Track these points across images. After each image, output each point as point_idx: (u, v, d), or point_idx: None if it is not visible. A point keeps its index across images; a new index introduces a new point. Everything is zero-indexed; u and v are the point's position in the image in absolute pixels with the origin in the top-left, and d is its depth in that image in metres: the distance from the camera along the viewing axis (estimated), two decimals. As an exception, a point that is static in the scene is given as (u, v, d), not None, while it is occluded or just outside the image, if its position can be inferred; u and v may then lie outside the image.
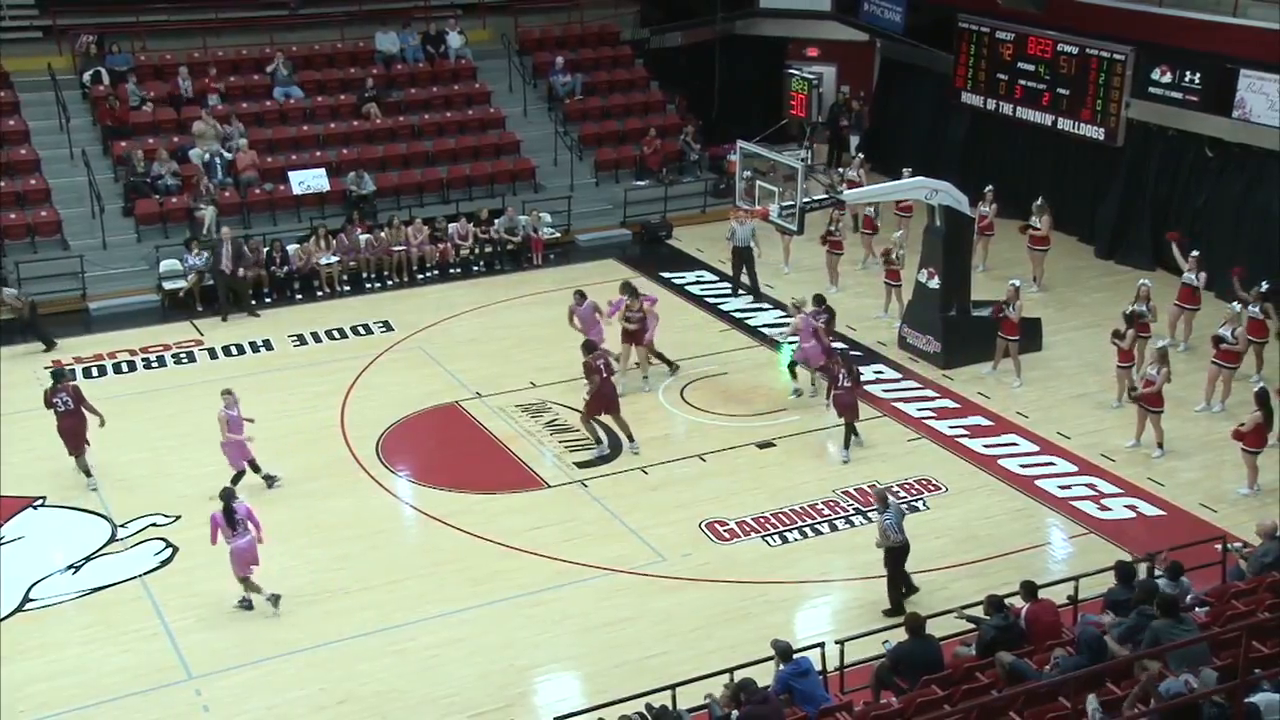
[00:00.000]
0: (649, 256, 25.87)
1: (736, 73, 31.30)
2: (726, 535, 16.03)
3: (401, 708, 12.98)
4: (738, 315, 22.81)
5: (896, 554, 14.11)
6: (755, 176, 20.30)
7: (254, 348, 21.59)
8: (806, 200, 19.13)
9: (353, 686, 13.27)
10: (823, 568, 15.22)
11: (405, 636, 13.97)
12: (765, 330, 21.88)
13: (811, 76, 20.25)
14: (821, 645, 12.58)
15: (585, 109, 29.48)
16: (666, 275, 24.63)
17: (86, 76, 26.10)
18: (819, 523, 16.14)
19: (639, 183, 28.24)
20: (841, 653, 12.73)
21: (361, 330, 22.32)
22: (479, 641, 13.97)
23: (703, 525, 16.21)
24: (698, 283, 24.50)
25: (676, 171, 28.66)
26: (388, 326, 22.47)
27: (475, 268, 25.21)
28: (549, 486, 17.25)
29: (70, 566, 15.45)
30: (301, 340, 21.91)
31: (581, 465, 17.65)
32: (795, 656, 11.69)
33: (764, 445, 18.21)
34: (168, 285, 23.50)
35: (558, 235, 26.54)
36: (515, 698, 13.05)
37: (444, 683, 13.34)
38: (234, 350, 21.57)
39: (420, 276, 24.77)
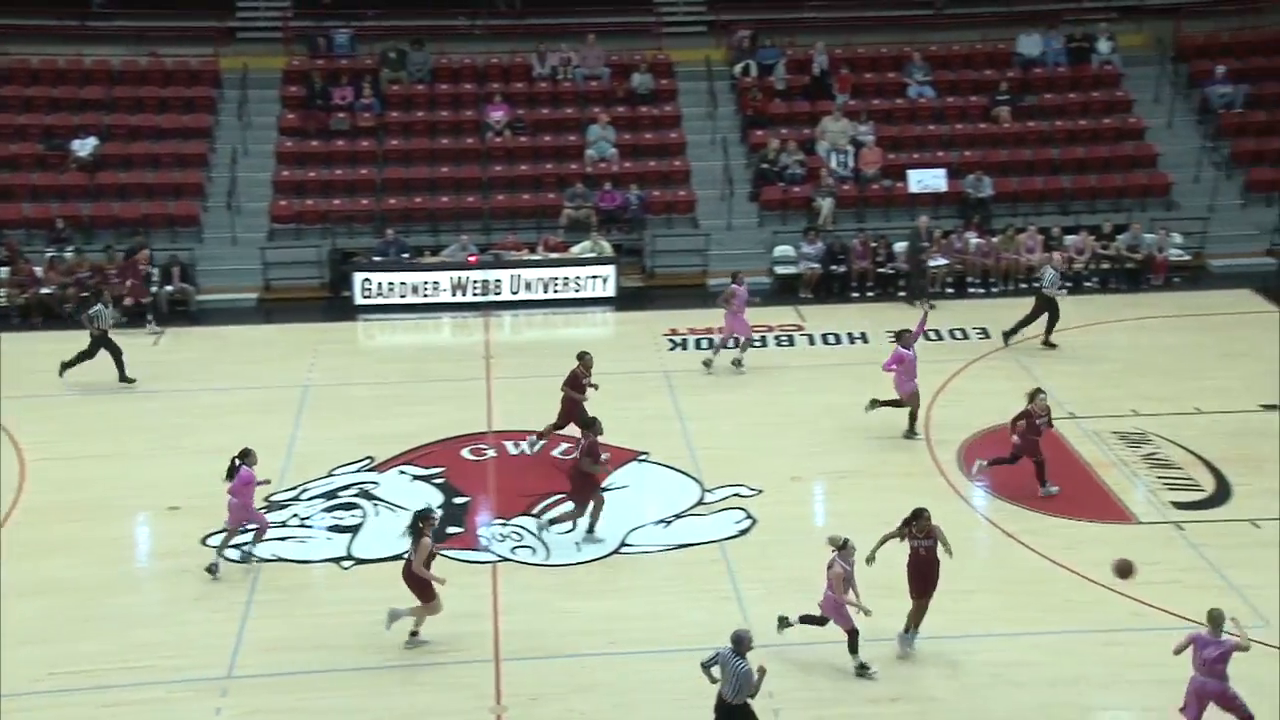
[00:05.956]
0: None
1: None
2: None
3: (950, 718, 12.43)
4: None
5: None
6: None
7: (850, 339, 21.88)
8: None
9: (906, 687, 12.90)
10: None
11: (965, 649, 13.39)
12: None
13: None
14: None
15: (1244, 123, 27.44)
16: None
17: (737, 69, 27.67)
18: None
19: (1289, 206, 24.87)
20: None
21: (959, 334, 21.94)
22: (1043, 670, 13.09)
23: (1317, 598, 13.93)
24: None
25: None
26: (985, 334, 21.86)
27: (1088, 283, 24.28)
28: (1138, 522, 16.02)
29: (662, 520, 16.14)
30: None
31: (1180, 505, 16.24)
32: None
33: None
34: (779, 270, 24.43)
35: (1186, 258, 24.87)
36: None
37: (1001, 704, 12.67)
38: (831, 339, 21.89)
39: (1025, 286, 23.60)
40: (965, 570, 14.60)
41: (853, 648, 12.86)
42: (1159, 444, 17.65)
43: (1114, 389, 19.22)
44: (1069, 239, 24.57)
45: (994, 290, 24.06)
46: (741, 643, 11.35)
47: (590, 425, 15.61)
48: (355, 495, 16.68)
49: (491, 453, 17.91)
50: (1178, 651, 11.78)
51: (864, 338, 21.79)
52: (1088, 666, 13.13)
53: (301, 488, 16.83)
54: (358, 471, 17.25)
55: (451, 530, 15.88)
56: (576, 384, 17.37)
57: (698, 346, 21.44)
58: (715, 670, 11.44)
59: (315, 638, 13.71)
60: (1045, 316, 20.98)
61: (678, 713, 12.53)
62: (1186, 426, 18.04)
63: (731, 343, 20.40)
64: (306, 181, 25.67)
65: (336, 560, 15.27)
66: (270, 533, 15.49)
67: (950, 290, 23.92)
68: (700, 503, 16.46)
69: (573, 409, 17.33)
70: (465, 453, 17.83)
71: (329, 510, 16.31)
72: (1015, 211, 25.61)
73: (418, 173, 25.97)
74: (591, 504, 15.55)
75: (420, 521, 13.35)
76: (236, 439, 17.75)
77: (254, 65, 27.28)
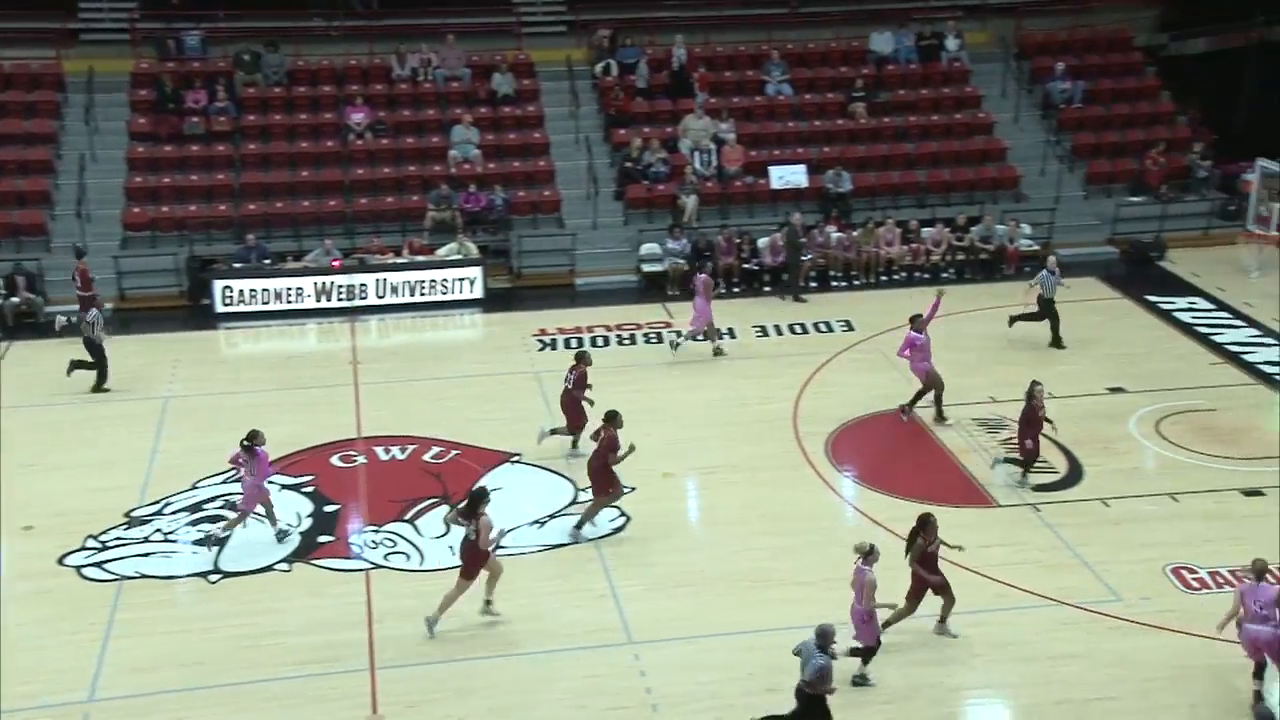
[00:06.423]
0: (1135, 278, 24.44)
1: (1268, 83, 28.79)
2: (1195, 584, 14.67)
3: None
4: (1235, 349, 21.13)
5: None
6: (1275, 198, 18.96)
7: (719, 334, 21.41)
8: None
9: (781, 677, 12.64)
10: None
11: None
12: (1266, 368, 20.37)
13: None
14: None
15: (1083, 117, 28.37)
16: (1154, 299, 23.26)
17: (598, 68, 27.73)
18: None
19: (1134, 199, 26.93)
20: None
21: (823, 327, 22.29)
22: (912, 654, 13.33)
23: (1167, 569, 14.94)
24: (1190, 309, 22.95)
25: (1179, 189, 27.05)
26: (849, 326, 22.28)
27: (945, 274, 24.75)
28: (998, 505, 16.44)
29: (536, 521, 16.00)
30: (764, 332, 22.05)
31: (1036, 488, 16.69)
32: None
33: (1251, 493, 16.57)
34: (646, 268, 24.54)
35: (1036, 248, 25.33)
36: (945, 716, 12.62)
37: (873, 690, 12.84)
38: (700, 335, 21.35)
39: (886, 279, 24.44)
40: (834, 558, 14.86)
41: (866, 660, 12.87)
42: (1015, 429, 18.00)
43: (972, 377, 19.72)
44: (926, 231, 25.24)
45: (856, 283, 24.53)
46: (825, 636, 11.54)
47: (611, 420, 15.57)
48: (221, 507, 16.26)
49: (361, 459, 17.66)
50: (1231, 617, 12.36)
51: (731, 333, 21.93)
52: (953, 647, 13.50)
53: (164, 502, 16.38)
54: (223, 483, 16.81)
55: (323, 539, 15.66)
56: (582, 384, 17.40)
57: (567, 346, 21.38)
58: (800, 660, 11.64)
59: (183, 655, 13.38)
60: (1048, 320, 21.08)
61: (558, 713, 12.59)
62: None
63: (691, 328, 20.96)
64: (160, 187, 24.93)
65: (203, 574, 14.89)
66: (132, 549, 15.14)
67: (814, 284, 24.28)
68: (574, 502, 16.43)
69: (575, 409, 17.39)
70: (335, 460, 17.57)
71: (194, 524, 15.89)
72: (874, 206, 26.14)
73: (277, 177, 25.46)
74: (603, 497, 15.63)
75: (478, 501, 13.60)
76: (92, 455, 17.59)
77: (100, 68, 26.38)
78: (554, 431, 17.55)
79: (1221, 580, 14.53)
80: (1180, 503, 16.33)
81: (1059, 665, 13.20)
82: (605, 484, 15.56)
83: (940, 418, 18.33)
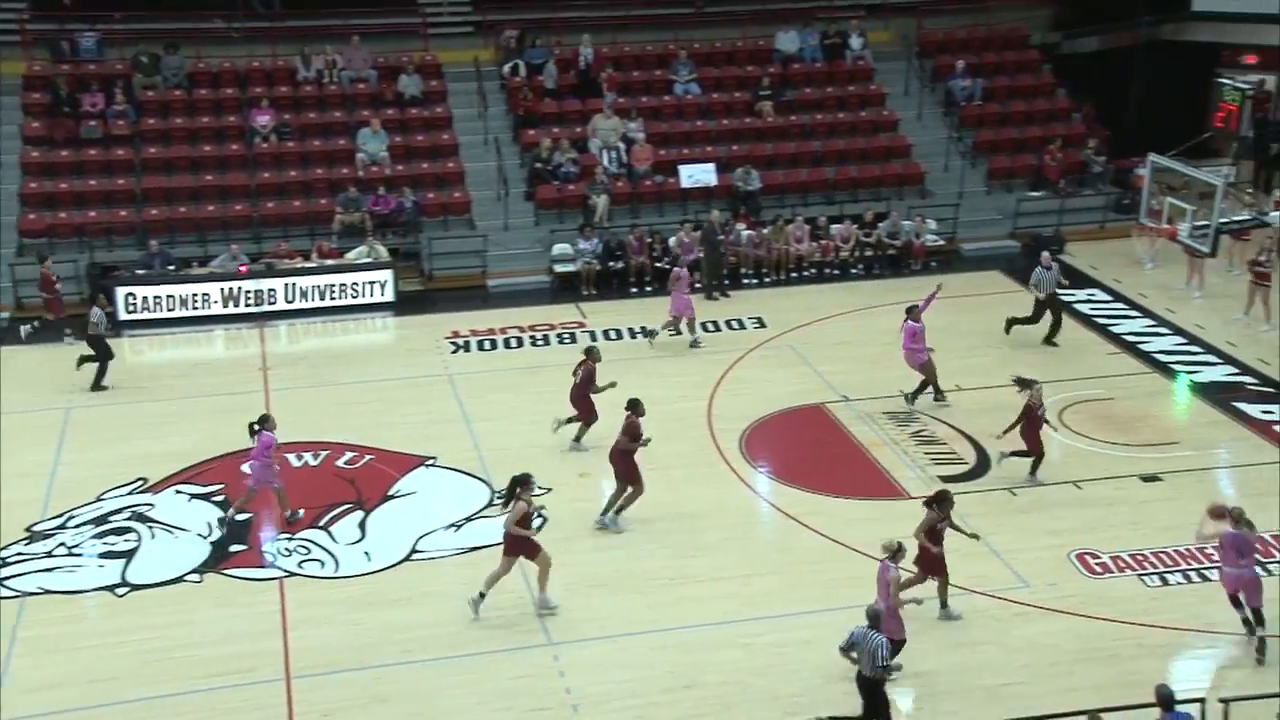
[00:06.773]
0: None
1: (1156, 81, 29.23)
2: (1098, 569, 15.07)
3: (745, 701, 12.88)
4: (1131, 339, 21.61)
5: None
6: (1166, 193, 18.92)
7: (631, 333, 21.94)
8: (1224, 221, 17.96)
9: (699, 674, 13.25)
10: (1208, 617, 13.81)
11: (755, 631, 13.81)
12: (1161, 357, 20.87)
13: (1246, 86, 18.08)
14: (1202, 701, 11.90)
15: (983, 115, 28.83)
16: (1055, 291, 22.51)
17: (506, 69, 27.52)
18: (1208, 568, 14.72)
19: (1033, 193, 27.37)
20: (1225, 713, 11.83)
21: (735, 325, 22.44)
22: (828, 645, 12.89)
23: (1072, 555, 15.31)
24: (1088, 301, 23.26)
25: (1076, 184, 27.56)
26: (761, 323, 22.46)
27: (854, 270, 25.18)
28: (910, 497, 16.37)
29: (452, 525, 15.93)
30: (677, 330, 21.62)
31: (946, 479, 16.73)
32: (1176, 709, 11.11)
33: (1149, 479, 17.05)
34: (558, 268, 24.51)
35: (941, 243, 26.04)
36: (859, 706, 12.35)
37: (789, 682, 13.10)
38: (613, 334, 22.00)
39: (796, 275, 24.63)
40: (749, 553, 15.32)
41: (894, 654, 12.74)
42: (925, 421, 18.54)
43: (882, 371, 19.91)
44: (834, 228, 25.47)
45: (766, 280, 24.74)
46: (876, 618, 11.86)
47: (633, 407, 15.70)
48: (128, 519, 15.98)
49: (274, 466, 17.43)
50: (1207, 539, 13.73)
51: (645, 331, 21.94)
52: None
53: (68, 515, 16.01)
54: (130, 494, 16.53)
55: (236, 548, 15.44)
56: (590, 379, 17.45)
57: (480, 348, 21.35)
58: (854, 653, 11.84)
59: (91, 671, 13.11)
60: (1049, 316, 21.19)
61: (479, 716, 12.56)
62: (948, 403, 19.01)
63: (685, 327, 21.20)
64: (57, 193, 24.32)
65: (110, 588, 14.60)
66: (34, 564, 14.81)
67: (725, 281, 24.31)
68: (491, 504, 16.39)
69: (584, 403, 17.51)
70: (246, 468, 17.09)
71: (99, 536, 15.57)
72: (783, 203, 26.32)
73: (180, 181, 24.95)
74: (630, 488, 15.64)
75: (518, 486, 13.85)
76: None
77: (-11, 71, 25.73)
78: (568, 421, 17.69)
79: (1123, 564, 14.93)
80: (1083, 490, 16.74)
81: (971, 652, 13.48)
82: (628, 472, 15.66)
83: (911, 400, 18.75)
